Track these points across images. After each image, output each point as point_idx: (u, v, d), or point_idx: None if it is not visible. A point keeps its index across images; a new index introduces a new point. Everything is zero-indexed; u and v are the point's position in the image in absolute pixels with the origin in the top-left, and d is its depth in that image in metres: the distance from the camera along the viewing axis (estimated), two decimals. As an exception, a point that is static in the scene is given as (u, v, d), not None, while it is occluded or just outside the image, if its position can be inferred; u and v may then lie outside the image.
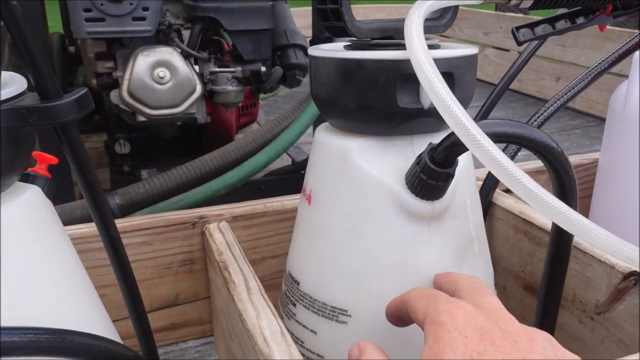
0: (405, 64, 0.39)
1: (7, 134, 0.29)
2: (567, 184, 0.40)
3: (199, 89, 0.96)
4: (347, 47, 0.46)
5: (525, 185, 0.33)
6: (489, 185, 0.61)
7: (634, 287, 0.47)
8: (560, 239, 0.44)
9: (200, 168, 0.89)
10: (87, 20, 0.87)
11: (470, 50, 0.43)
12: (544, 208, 0.33)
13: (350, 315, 0.43)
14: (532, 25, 0.48)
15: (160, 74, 0.93)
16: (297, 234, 0.49)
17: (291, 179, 1.13)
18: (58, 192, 0.91)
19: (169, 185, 0.85)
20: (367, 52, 0.41)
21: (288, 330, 0.41)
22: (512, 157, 0.59)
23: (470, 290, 0.36)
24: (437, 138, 0.40)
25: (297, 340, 0.47)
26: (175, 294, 0.60)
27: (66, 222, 0.46)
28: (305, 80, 1.03)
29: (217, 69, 1.00)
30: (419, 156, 0.40)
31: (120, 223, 0.55)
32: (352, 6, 0.42)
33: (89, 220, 0.62)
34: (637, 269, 0.47)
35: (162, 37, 0.98)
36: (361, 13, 2.77)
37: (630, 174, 0.67)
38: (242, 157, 0.94)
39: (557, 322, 0.47)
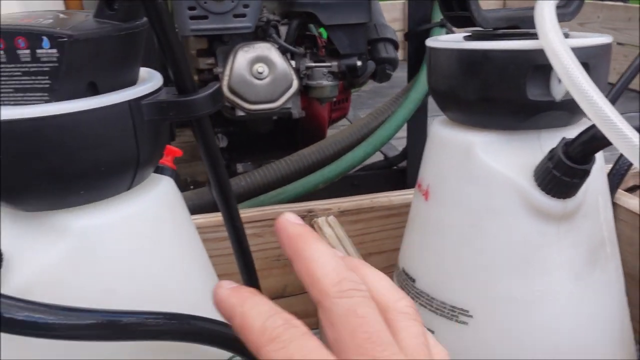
0: (537, 54, 0.37)
1: (149, 127, 0.30)
2: None
3: (295, 84, 0.96)
4: (468, 38, 0.44)
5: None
6: (612, 184, 0.57)
7: None
8: None
9: (298, 162, 0.90)
10: (191, 18, 0.90)
11: (605, 39, 0.40)
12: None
13: (471, 316, 0.42)
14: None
15: (259, 70, 0.94)
16: (412, 230, 0.48)
17: (384, 175, 1.12)
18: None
19: (269, 178, 0.86)
20: (494, 42, 0.39)
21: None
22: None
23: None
24: (566, 133, 0.38)
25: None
26: (283, 285, 0.60)
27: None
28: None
29: (313, 64, 1.01)
30: (550, 151, 0.38)
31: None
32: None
33: (200, 211, 0.64)
34: None
35: (260, 33, 0.99)
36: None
37: None
38: (338, 152, 0.94)
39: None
